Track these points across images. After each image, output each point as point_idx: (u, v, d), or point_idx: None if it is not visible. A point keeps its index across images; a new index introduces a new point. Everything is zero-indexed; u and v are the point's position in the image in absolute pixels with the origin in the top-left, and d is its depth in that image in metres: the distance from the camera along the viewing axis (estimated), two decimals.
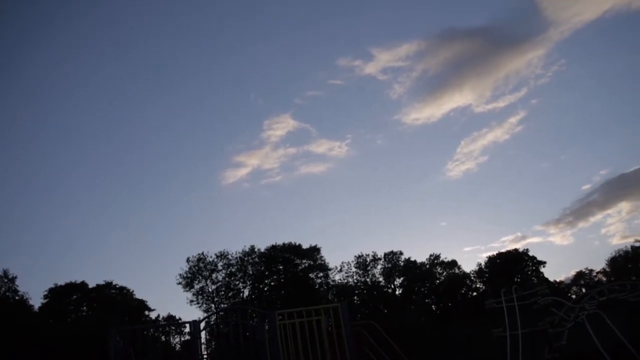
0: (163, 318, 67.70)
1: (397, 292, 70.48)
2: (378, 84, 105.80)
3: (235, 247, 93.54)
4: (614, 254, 71.16)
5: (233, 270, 67.41)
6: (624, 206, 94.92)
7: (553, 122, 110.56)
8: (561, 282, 73.20)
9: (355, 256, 71.24)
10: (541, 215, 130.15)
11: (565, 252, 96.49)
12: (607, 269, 71.63)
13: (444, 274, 71.95)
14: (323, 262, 68.91)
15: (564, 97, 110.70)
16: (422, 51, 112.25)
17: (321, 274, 69.06)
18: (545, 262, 71.53)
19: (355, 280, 70.25)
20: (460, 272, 72.07)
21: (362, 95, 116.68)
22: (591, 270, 75.30)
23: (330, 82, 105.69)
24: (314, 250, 68.78)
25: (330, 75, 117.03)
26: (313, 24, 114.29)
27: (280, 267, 68.31)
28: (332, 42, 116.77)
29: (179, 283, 66.05)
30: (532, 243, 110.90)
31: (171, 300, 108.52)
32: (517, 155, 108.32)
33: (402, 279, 70.75)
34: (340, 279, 70.22)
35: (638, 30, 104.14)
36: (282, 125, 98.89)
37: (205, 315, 60.75)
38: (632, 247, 68.54)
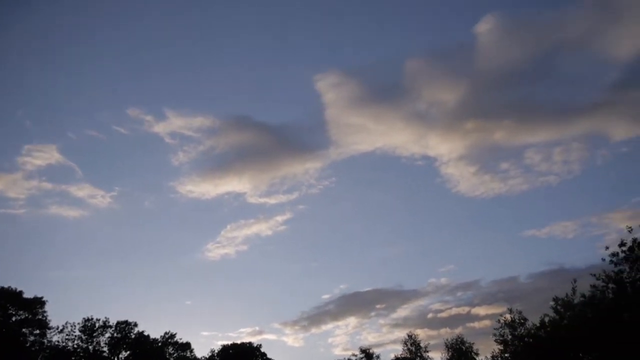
0: None
1: None
2: (163, 146, 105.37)
3: None
4: None
5: None
6: (352, 321, 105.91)
7: (312, 231, 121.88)
8: None
9: (83, 318, 65.84)
10: (281, 314, 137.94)
11: (295, 353, 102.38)
12: None
13: (175, 355, 70.01)
14: (44, 318, 62.06)
15: (327, 210, 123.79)
16: (215, 129, 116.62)
17: (38, 332, 61.64)
18: None
19: (76, 345, 64.20)
20: (192, 356, 71.13)
21: (143, 151, 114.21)
22: None
23: (114, 128, 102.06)
24: (38, 303, 61.81)
25: (116, 121, 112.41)
26: (112, 60, 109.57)
27: None
28: (127, 88, 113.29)
29: None
30: (267, 339, 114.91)
31: None
32: (274, 253, 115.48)
33: (128, 352, 66.70)
34: (59, 341, 63.58)
35: (394, 170, 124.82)
36: (45, 156, 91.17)
37: None
38: (349, 359, 75.44)
